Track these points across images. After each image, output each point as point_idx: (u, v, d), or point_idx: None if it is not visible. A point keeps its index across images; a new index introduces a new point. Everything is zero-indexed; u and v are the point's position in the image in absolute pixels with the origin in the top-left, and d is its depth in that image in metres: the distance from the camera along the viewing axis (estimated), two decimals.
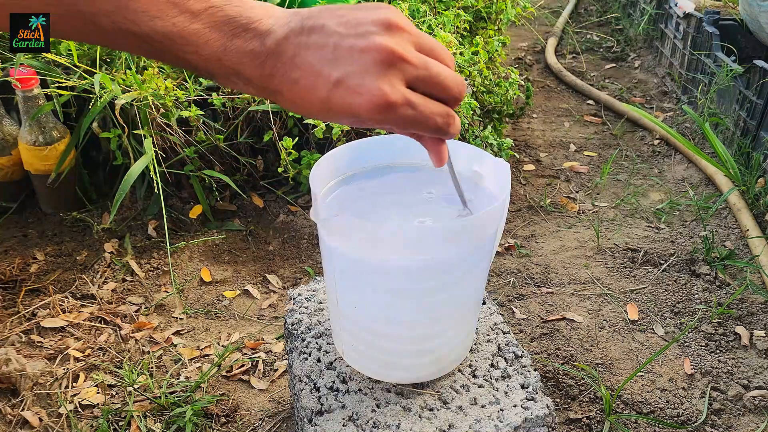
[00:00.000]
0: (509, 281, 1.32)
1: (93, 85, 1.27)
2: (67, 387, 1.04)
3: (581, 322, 1.20)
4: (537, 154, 1.86)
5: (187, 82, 1.38)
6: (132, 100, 1.29)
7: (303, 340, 0.79)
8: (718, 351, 1.13)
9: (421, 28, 1.52)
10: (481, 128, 1.51)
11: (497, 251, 1.30)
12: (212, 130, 1.40)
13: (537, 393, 0.71)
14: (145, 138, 1.30)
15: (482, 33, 1.74)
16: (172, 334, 1.17)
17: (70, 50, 1.35)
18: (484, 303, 0.85)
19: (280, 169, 1.39)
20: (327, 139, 1.45)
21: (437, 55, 0.45)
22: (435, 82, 0.43)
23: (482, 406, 0.69)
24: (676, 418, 1.00)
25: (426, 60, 0.43)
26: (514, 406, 0.69)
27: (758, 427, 0.98)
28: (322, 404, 0.69)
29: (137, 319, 1.20)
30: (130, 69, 1.36)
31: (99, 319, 1.19)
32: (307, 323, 0.82)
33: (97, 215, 1.46)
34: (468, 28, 1.69)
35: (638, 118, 2.00)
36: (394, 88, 0.41)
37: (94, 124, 1.34)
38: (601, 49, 2.69)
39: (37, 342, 1.13)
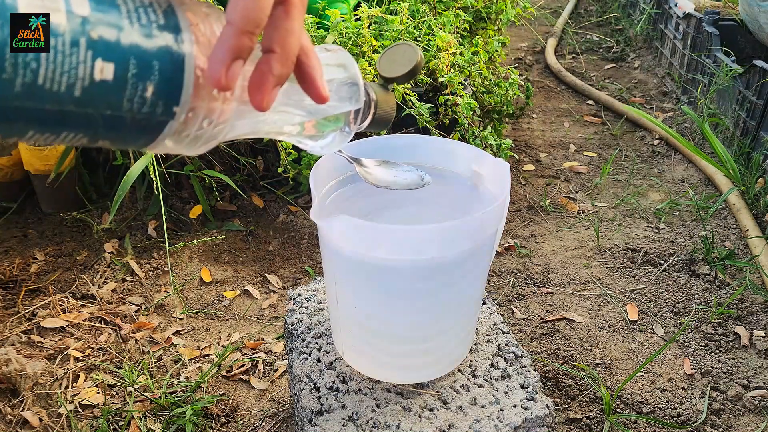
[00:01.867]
0: (509, 281, 1.32)
1: None
2: (67, 387, 1.04)
3: (581, 322, 1.20)
4: (537, 154, 1.86)
5: None
6: None
7: (303, 340, 0.79)
8: (717, 351, 1.13)
9: (420, 29, 1.52)
10: (481, 128, 1.51)
11: (497, 251, 1.30)
12: None
13: (537, 393, 0.71)
14: None
15: (482, 33, 1.74)
16: (172, 334, 1.17)
17: None
18: (484, 303, 0.85)
19: (280, 169, 1.39)
20: None
21: None
22: None
23: (482, 406, 0.69)
24: (676, 418, 1.00)
25: None
26: (514, 406, 0.69)
27: (758, 427, 0.98)
28: (322, 404, 0.69)
29: (137, 319, 1.20)
30: None
31: (99, 319, 1.19)
32: (307, 323, 0.82)
33: (97, 215, 1.46)
34: (468, 28, 1.69)
35: (638, 118, 2.00)
36: None
37: None
38: (601, 50, 2.69)
39: (37, 342, 1.13)
